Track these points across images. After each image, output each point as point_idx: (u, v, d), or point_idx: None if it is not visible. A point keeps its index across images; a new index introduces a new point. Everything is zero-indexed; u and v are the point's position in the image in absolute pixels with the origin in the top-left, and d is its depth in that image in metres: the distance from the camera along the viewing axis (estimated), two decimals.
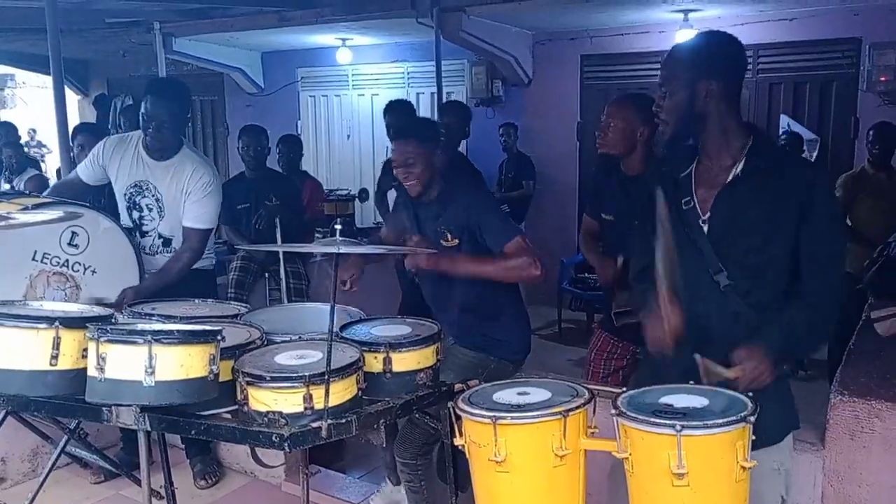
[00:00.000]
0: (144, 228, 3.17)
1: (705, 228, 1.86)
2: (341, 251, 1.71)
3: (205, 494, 3.27)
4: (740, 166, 1.83)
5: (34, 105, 14.01)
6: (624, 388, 1.77)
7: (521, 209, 6.83)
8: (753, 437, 1.58)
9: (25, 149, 7.29)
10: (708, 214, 1.86)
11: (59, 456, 2.82)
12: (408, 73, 7.61)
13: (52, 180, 7.50)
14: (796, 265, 1.81)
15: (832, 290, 1.82)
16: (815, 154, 5.96)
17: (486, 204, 2.66)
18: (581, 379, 3.05)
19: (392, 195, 3.98)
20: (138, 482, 2.91)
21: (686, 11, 5.73)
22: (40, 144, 12.88)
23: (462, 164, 4.46)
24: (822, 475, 2.23)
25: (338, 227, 1.76)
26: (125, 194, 3.18)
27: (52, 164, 11.89)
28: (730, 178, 1.84)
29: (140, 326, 1.82)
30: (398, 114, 4.49)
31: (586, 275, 6.20)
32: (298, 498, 2.95)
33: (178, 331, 1.71)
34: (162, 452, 2.50)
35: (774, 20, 5.90)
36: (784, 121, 6.06)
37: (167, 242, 3.17)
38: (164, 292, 2.92)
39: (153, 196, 3.14)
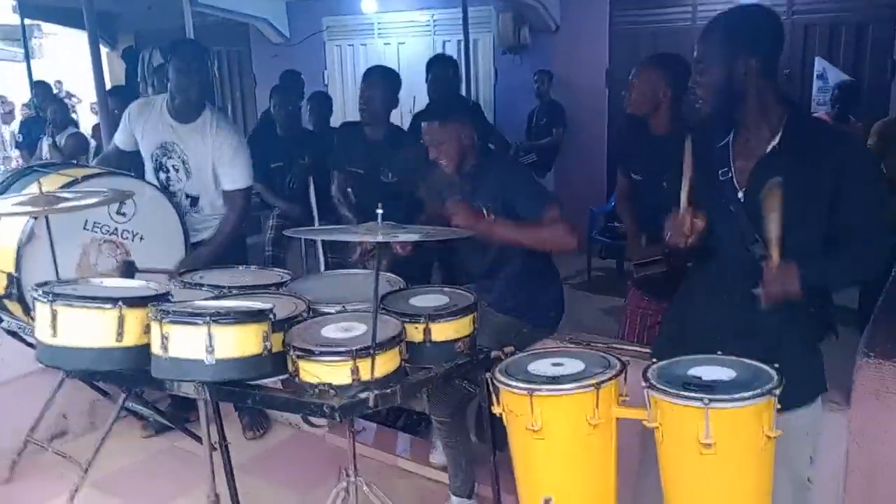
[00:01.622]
0: (172, 189, 3.29)
1: (741, 199, 1.89)
2: (382, 240, 1.79)
3: (254, 445, 3.46)
4: (778, 138, 1.85)
5: (61, 55, 14.06)
6: (654, 360, 1.85)
7: (550, 157, 6.85)
8: (779, 406, 1.67)
9: None
10: (745, 186, 1.88)
11: (119, 411, 3.00)
12: (434, 21, 7.52)
13: (87, 132, 7.64)
14: (833, 238, 1.84)
15: (879, 247, 1.84)
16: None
17: (521, 175, 2.73)
18: (615, 333, 3.17)
19: None
20: (191, 435, 3.14)
21: None
22: (69, 95, 13.01)
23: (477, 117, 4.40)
24: (847, 433, 2.32)
25: (379, 211, 1.83)
26: (152, 155, 3.29)
27: (82, 114, 12.06)
28: (768, 149, 1.86)
29: (198, 304, 1.94)
30: (441, 67, 4.35)
31: (615, 224, 6.23)
32: (341, 448, 3.14)
33: (234, 311, 1.83)
34: (214, 407, 2.66)
35: None
36: (819, 64, 5.93)
37: (195, 202, 3.30)
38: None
39: (179, 158, 3.25)
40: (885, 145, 4.47)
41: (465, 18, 5.96)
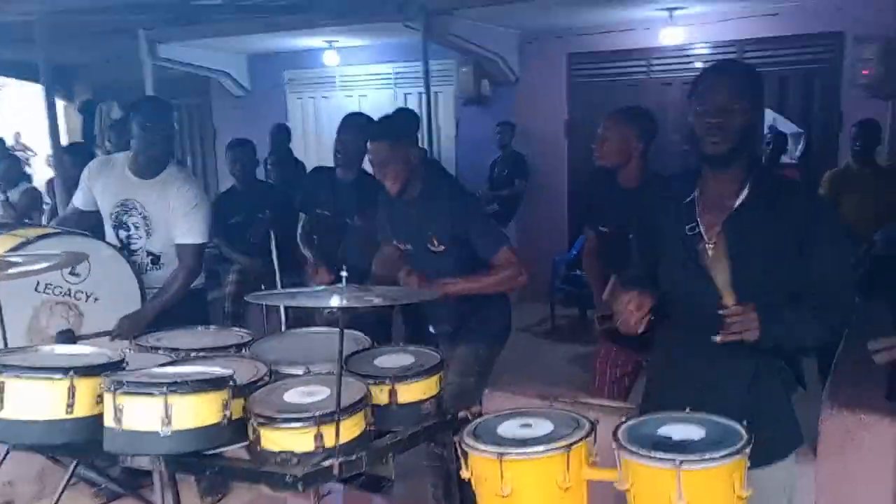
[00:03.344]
0: (132, 247, 3.21)
1: (710, 253, 1.89)
2: (345, 305, 1.75)
3: None
4: (746, 192, 1.88)
5: (18, 104, 13.87)
6: (624, 419, 1.83)
7: (512, 208, 6.90)
8: (749, 465, 1.65)
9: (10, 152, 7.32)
10: (714, 241, 1.89)
11: (69, 479, 2.86)
12: (395, 74, 7.62)
13: (40, 185, 7.49)
14: (799, 289, 1.85)
15: (843, 304, 1.87)
16: (800, 147, 6.05)
17: (475, 211, 2.79)
18: (581, 382, 3.17)
19: None
20: (145, 502, 3.00)
21: (671, 9, 5.77)
22: (25, 148, 12.82)
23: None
24: (815, 486, 2.32)
25: (344, 274, 1.80)
26: (111, 213, 3.22)
27: (36, 167, 11.86)
28: (737, 204, 1.88)
29: (155, 372, 1.87)
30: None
31: (578, 272, 6.29)
32: None
33: (192, 380, 1.76)
34: (170, 475, 2.55)
35: (758, 15, 5.95)
36: (769, 115, 6.13)
37: (156, 260, 3.21)
38: (159, 315, 2.99)
39: (140, 214, 3.18)
40: (836, 194, 4.61)
41: (426, 71, 6.05)
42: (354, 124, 3.66)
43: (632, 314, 1.86)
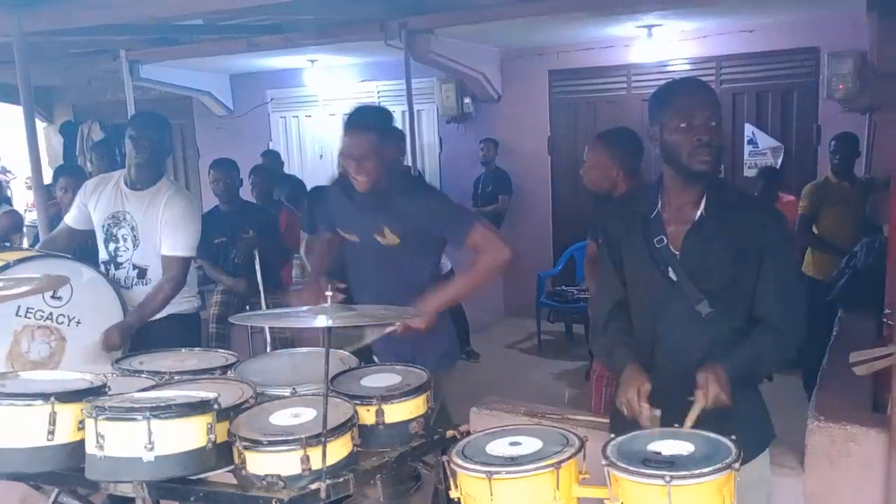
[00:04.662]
0: (119, 260, 3.17)
1: (679, 261, 1.94)
2: (333, 325, 1.74)
3: None
4: (703, 206, 1.93)
5: None
6: (613, 435, 1.83)
7: (496, 224, 6.90)
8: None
9: None
10: (680, 249, 1.95)
11: None
12: (378, 92, 7.64)
13: (19, 207, 7.41)
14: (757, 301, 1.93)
15: (797, 316, 1.93)
16: (779, 161, 6.12)
17: (437, 200, 2.57)
18: (567, 398, 3.16)
19: None
20: None
21: (650, 27, 5.84)
22: (4, 170, 12.69)
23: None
24: (802, 499, 2.32)
25: (328, 293, 1.78)
26: (103, 226, 3.20)
27: (15, 189, 11.73)
28: (696, 216, 1.94)
29: (137, 397, 1.84)
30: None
31: (563, 287, 6.31)
32: None
33: (175, 404, 1.74)
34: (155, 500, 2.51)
35: (735, 32, 6.05)
36: (748, 129, 6.21)
37: (142, 273, 3.16)
38: (151, 338, 2.95)
39: (129, 225, 3.15)
40: (815, 207, 4.65)
41: (408, 89, 6.07)
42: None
43: (637, 405, 1.87)
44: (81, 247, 3.37)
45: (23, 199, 10.80)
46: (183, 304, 3.21)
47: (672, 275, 1.94)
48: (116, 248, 3.17)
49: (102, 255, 3.19)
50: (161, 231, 3.10)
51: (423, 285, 2.52)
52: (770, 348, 1.91)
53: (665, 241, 1.96)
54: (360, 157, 2.43)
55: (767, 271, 1.91)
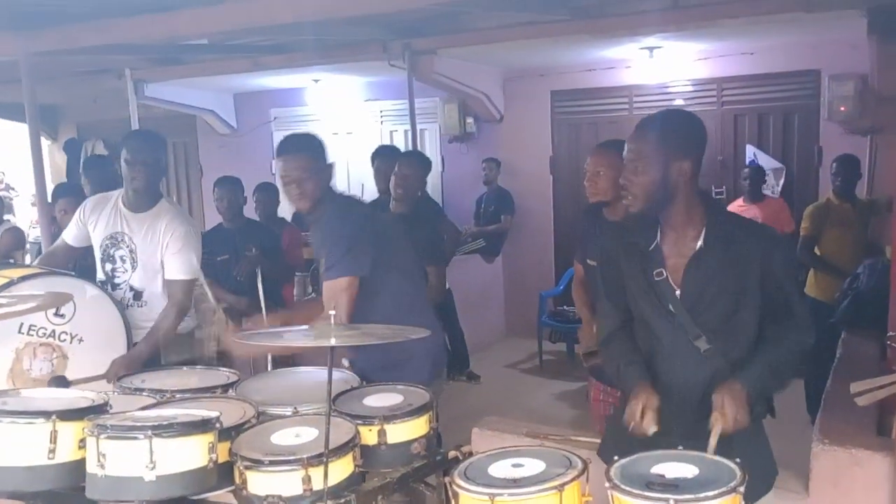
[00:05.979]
0: (116, 280, 3.17)
1: (678, 297, 1.94)
2: (335, 344, 1.74)
3: None
4: (703, 236, 1.93)
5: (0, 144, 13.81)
6: (616, 457, 1.81)
7: (498, 243, 6.92)
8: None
9: None
10: (680, 285, 1.94)
11: None
12: (381, 112, 7.68)
13: (23, 226, 7.41)
14: (762, 322, 1.93)
15: (804, 328, 1.94)
16: (781, 182, 6.13)
17: (338, 233, 2.54)
18: (569, 419, 3.13)
19: None
20: None
21: (651, 48, 5.88)
22: (8, 187, 12.73)
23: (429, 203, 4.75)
24: None
25: (332, 312, 1.78)
26: (101, 246, 3.20)
27: (18, 206, 11.76)
28: (696, 248, 1.94)
29: (138, 416, 1.83)
30: (385, 158, 4.71)
31: (565, 307, 6.30)
32: None
33: (176, 423, 1.73)
34: None
35: (736, 54, 6.09)
36: (750, 151, 6.22)
37: (138, 295, 3.16)
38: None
39: (127, 247, 3.15)
40: (817, 228, 4.65)
41: (411, 109, 6.10)
42: (410, 160, 4.20)
43: (642, 418, 1.88)
44: (81, 264, 3.37)
45: (27, 216, 10.82)
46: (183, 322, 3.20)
47: (672, 307, 1.94)
48: (114, 269, 3.17)
49: (99, 275, 3.19)
50: (163, 256, 3.10)
51: (380, 315, 2.38)
52: (783, 352, 1.92)
53: (664, 274, 1.96)
54: (295, 180, 2.56)
55: (771, 295, 1.91)
